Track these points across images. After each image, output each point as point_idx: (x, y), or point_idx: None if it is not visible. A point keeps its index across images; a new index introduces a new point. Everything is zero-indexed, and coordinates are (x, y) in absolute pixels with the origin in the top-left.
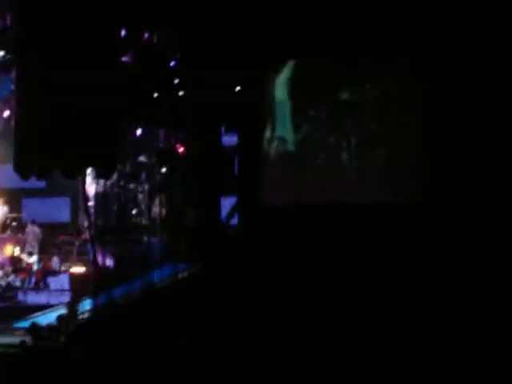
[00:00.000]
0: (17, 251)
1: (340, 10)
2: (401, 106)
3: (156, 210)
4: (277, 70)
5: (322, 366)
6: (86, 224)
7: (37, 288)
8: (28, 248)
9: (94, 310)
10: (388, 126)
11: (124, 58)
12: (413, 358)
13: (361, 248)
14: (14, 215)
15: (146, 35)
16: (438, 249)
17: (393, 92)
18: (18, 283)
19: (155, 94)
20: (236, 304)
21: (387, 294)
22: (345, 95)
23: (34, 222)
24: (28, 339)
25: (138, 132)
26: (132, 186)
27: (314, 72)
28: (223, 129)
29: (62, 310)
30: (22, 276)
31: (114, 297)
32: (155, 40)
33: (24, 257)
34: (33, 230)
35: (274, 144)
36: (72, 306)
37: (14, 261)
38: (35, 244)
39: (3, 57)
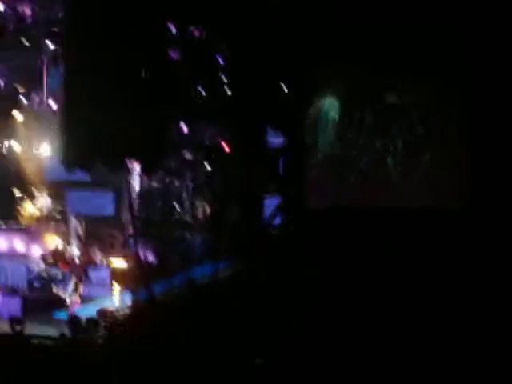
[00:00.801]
0: (59, 244)
1: (387, 16)
2: (446, 111)
3: (199, 207)
4: (324, 73)
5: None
6: (129, 218)
7: (78, 280)
8: (71, 241)
9: (134, 305)
10: (434, 130)
11: (172, 55)
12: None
13: (404, 252)
14: (58, 208)
15: (196, 32)
16: (483, 252)
17: (438, 97)
18: (59, 276)
19: (202, 91)
20: (275, 302)
21: (431, 296)
22: (391, 100)
23: (77, 215)
24: (67, 331)
25: (184, 129)
26: (176, 182)
27: (361, 76)
28: (269, 129)
29: (103, 303)
30: (64, 268)
31: (155, 292)
32: (204, 37)
33: (66, 249)
34: (76, 223)
35: (319, 146)
36: (112, 299)
37: (57, 253)
38: (78, 237)
39: (54, 50)
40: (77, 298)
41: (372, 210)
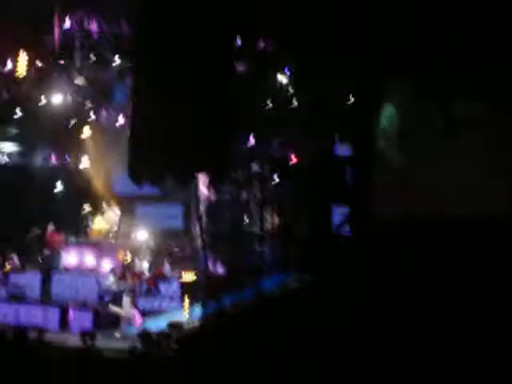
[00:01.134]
0: (129, 258)
1: (456, 30)
2: None
3: (268, 218)
4: (391, 82)
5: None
6: (198, 231)
7: (148, 294)
8: (141, 255)
9: (204, 318)
10: (504, 136)
11: (238, 67)
12: None
13: (476, 262)
14: (128, 222)
15: (262, 45)
16: None
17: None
18: (130, 289)
19: (269, 103)
20: (346, 313)
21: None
22: (460, 111)
23: (148, 229)
24: (138, 345)
25: (252, 141)
26: (245, 194)
27: (429, 85)
28: (336, 139)
29: (173, 316)
30: (133, 282)
31: (224, 305)
32: (272, 49)
33: (136, 263)
34: (147, 237)
35: (387, 155)
36: (183, 312)
37: (126, 267)
38: (148, 250)
39: (120, 64)
40: (134, 312)
41: (442, 219)
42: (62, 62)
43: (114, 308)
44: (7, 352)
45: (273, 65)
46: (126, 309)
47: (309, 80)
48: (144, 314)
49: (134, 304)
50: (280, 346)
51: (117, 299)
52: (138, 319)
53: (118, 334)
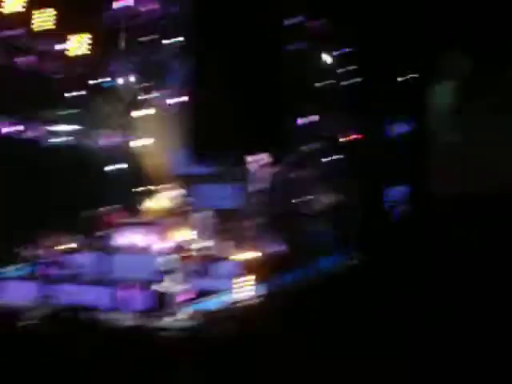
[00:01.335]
0: (187, 237)
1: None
2: None
3: (324, 198)
4: (447, 60)
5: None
6: (254, 211)
7: (205, 273)
8: (199, 233)
9: (262, 297)
10: None
11: (291, 47)
12: None
13: None
14: (185, 201)
15: (317, 23)
16: None
17: None
18: (185, 268)
19: (322, 82)
20: (404, 292)
21: None
22: None
23: (206, 208)
24: (195, 324)
25: (305, 120)
26: (300, 173)
27: (484, 61)
28: (393, 117)
29: (230, 296)
30: (189, 261)
31: (284, 283)
32: (330, 27)
33: (192, 242)
34: (205, 216)
35: (443, 133)
36: (240, 291)
37: (182, 246)
38: (207, 230)
39: (173, 45)
40: (187, 291)
41: (500, 196)
42: (115, 42)
43: (161, 286)
44: (61, 331)
45: (325, 44)
46: (174, 287)
47: (366, 57)
48: (200, 293)
49: (185, 283)
50: (339, 324)
51: (170, 278)
52: (185, 297)
53: (174, 313)
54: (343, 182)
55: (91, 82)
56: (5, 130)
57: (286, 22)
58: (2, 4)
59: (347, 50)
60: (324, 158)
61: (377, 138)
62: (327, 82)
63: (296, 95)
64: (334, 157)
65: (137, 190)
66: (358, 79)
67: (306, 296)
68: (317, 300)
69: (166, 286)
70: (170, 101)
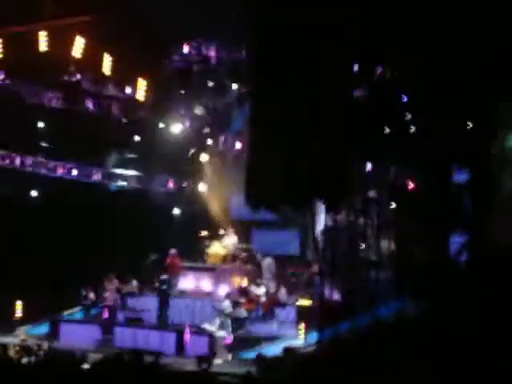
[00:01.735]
0: (245, 282)
1: None
2: None
3: (385, 245)
4: (508, 107)
5: None
6: (314, 257)
7: (264, 319)
8: (260, 279)
9: (319, 343)
10: None
11: (356, 93)
12: None
13: None
14: (244, 246)
15: (379, 70)
16: None
17: None
18: (245, 314)
19: (386, 130)
20: (464, 339)
21: None
22: None
23: (268, 255)
24: (254, 370)
25: (368, 167)
26: (361, 220)
27: None
28: (454, 166)
29: (289, 342)
30: (249, 307)
31: (340, 331)
32: (388, 75)
33: (252, 288)
34: (268, 262)
35: (505, 182)
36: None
37: (243, 292)
38: (269, 276)
39: (238, 90)
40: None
41: None
42: (179, 87)
43: (206, 327)
44: (124, 375)
45: (390, 91)
46: (236, 332)
47: (427, 106)
48: (260, 338)
49: (245, 328)
50: (397, 372)
51: (234, 323)
52: (227, 341)
53: (235, 358)
54: (405, 230)
55: (153, 127)
56: (70, 174)
57: (352, 68)
58: (70, 50)
59: (411, 96)
60: (386, 204)
61: (440, 185)
62: (390, 129)
63: (359, 141)
64: (397, 204)
65: (197, 235)
66: (422, 126)
67: (365, 343)
68: (375, 347)
69: (228, 330)
70: (229, 147)
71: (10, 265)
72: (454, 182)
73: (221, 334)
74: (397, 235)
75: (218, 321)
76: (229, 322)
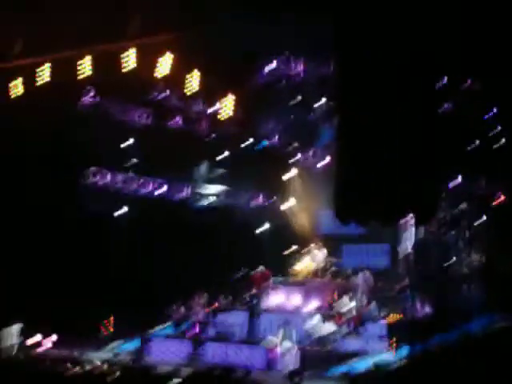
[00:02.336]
0: (336, 297)
1: None
2: None
3: (476, 258)
4: None
5: None
6: (404, 271)
7: (354, 334)
8: (349, 294)
9: (410, 358)
10: None
11: (445, 106)
12: None
13: None
14: (334, 260)
15: (467, 83)
16: None
17: None
18: (335, 328)
19: (476, 142)
20: None
21: None
22: None
23: (366, 269)
24: None
25: (459, 180)
26: (452, 233)
27: None
28: None
29: (379, 357)
30: (340, 322)
31: (431, 346)
32: (476, 87)
33: (342, 302)
34: (365, 277)
35: None
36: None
37: (334, 307)
38: (365, 290)
39: (325, 104)
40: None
41: None
42: (268, 102)
43: (271, 339)
44: None
45: (479, 103)
46: (324, 347)
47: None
48: (349, 354)
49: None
50: None
51: (323, 339)
52: (293, 353)
53: (324, 375)
54: (493, 244)
55: (241, 143)
56: (157, 191)
57: (437, 83)
58: (156, 68)
59: (500, 108)
60: (474, 219)
61: None
62: (477, 143)
63: (446, 156)
64: (488, 216)
65: (285, 250)
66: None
67: (454, 359)
68: (465, 364)
69: (292, 341)
70: (317, 162)
71: (102, 281)
72: None
73: (287, 345)
74: (488, 248)
75: (281, 332)
76: (293, 332)
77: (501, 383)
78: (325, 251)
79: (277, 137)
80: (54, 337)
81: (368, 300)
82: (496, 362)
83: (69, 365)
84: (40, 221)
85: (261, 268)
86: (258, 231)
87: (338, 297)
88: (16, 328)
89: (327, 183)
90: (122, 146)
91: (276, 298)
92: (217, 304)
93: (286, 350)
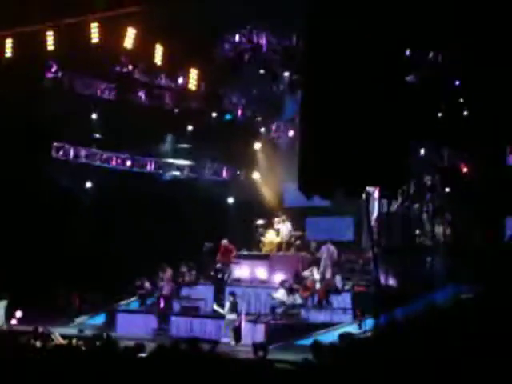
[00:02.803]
0: (300, 270)
1: None
2: None
3: (439, 230)
4: None
5: None
6: (368, 243)
7: (319, 306)
8: (315, 266)
9: (375, 329)
10: None
11: (408, 78)
12: None
13: None
14: (298, 233)
15: (431, 55)
16: None
17: None
18: (301, 301)
19: (439, 114)
20: None
21: None
22: None
23: (329, 242)
24: (310, 357)
25: (422, 152)
26: (416, 206)
27: None
28: (508, 149)
29: (345, 328)
30: (305, 294)
31: (396, 317)
32: (439, 59)
33: (307, 275)
34: (329, 250)
35: None
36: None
37: (298, 279)
38: (328, 263)
39: (289, 77)
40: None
41: None
42: (231, 76)
43: (217, 309)
44: (181, 364)
45: (442, 75)
46: (229, 312)
47: (479, 88)
48: (317, 325)
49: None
50: (451, 360)
51: (288, 311)
52: (241, 323)
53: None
54: (459, 215)
55: (206, 117)
56: (124, 165)
57: (404, 54)
58: (122, 40)
59: (463, 80)
60: (440, 189)
61: (494, 168)
62: (443, 113)
63: (410, 127)
64: (451, 189)
65: (251, 223)
66: (474, 109)
67: (419, 330)
68: (429, 334)
69: (283, 318)
70: (285, 133)
71: (65, 257)
72: (507, 165)
73: (231, 316)
74: (452, 220)
75: (228, 303)
76: (238, 303)
77: (466, 354)
78: (289, 224)
79: (241, 110)
80: (19, 313)
81: (333, 272)
82: (460, 332)
83: (33, 340)
84: (4, 195)
85: (224, 241)
86: (224, 205)
87: (302, 270)
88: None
89: (292, 156)
90: (86, 120)
91: (242, 271)
92: (184, 277)
93: (229, 322)
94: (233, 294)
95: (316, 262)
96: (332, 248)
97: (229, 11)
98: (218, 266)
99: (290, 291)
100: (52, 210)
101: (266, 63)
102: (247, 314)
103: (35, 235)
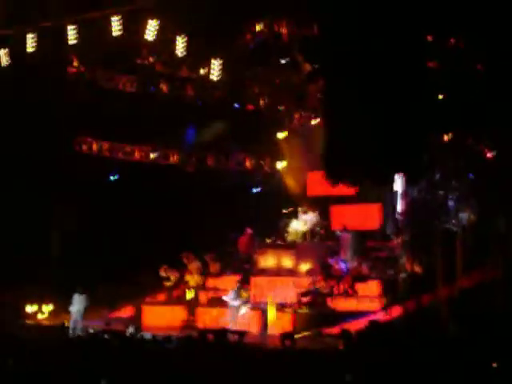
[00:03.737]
0: (327, 259)
1: None
2: None
3: (465, 216)
4: None
5: None
6: (394, 231)
7: (346, 294)
8: (340, 255)
9: (402, 316)
10: None
11: (430, 64)
12: None
13: None
14: (323, 223)
15: (452, 40)
16: None
17: None
18: (327, 290)
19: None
20: None
21: None
22: None
23: (346, 229)
24: (337, 344)
25: (446, 138)
26: (441, 192)
27: None
28: None
29: (372, 316)
30: (331, 283)
31: (423, 303)
32: (462, 45)
33: (333, 263)
34: (346, 237)
35: None
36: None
37: (324, 267)
38: (348, 251)
39: (311, 66)
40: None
41: None
42: (253, 66)
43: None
44: (209, 355)
45: (464, 61)
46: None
47: (500, 75)
48: (344, 313)
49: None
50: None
51: (315, 300)
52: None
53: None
54: (485, 200)
55: (229, 107)
56: (147, 157)
57: (425, 40)
58: (143, 33)
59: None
60: (466, 175)
61: None
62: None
63: (436, 113)
64: (476, 174)
65: (276, 213)
66: (497, 95)
67: (447, 315)
68: (457, 318)
69: (310, 307)
70: (308, 123)
71: (90, 252)
72: None
73: (235, 303)
74: (477, 206)
75: (232, 291)
76: (242, 290)
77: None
78: (314, 214)
79: (264, 100)
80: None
81: (359, 260)
82: (488, 314)
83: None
84: (24, 191)
85: (248, 231)
86: (249, 195)
87: (328, 258)
88: None
89: (316, 145)
90: (109, 114)
91: (268, 261)
92: (207, 269)
93: (234, 309)
94: (240, 281)
95: (342, 250)
96: (358, 236)
97: (249, 1)
98: (242, 255)
99: (316, 280)
100: (76, 204)
101: (287, 53)
102: (273, 303)
103: (51, 231)
